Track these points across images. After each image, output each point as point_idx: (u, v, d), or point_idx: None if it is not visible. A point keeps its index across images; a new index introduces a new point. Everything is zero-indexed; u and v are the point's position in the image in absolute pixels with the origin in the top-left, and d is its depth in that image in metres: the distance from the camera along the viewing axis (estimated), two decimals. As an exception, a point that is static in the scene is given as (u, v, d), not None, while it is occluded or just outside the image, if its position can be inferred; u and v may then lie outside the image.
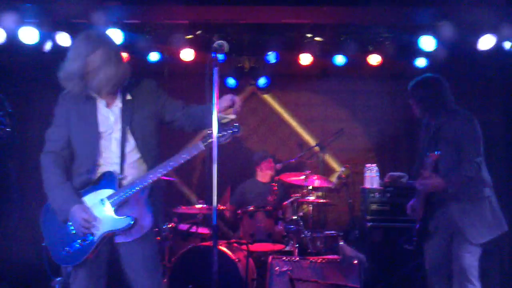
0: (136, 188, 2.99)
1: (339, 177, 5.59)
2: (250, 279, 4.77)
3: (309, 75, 6.46)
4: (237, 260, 4.68)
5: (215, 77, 2.90)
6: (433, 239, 3.93)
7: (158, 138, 3.18)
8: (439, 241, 3.91)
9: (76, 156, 3.07)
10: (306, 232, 5.02)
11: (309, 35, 5.87)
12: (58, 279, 3.14)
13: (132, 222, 2.96)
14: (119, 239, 3.05)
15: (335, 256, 4.71)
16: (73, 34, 5.40)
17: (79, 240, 2.96)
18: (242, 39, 6.02)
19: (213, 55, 2.90)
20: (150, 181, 3.00)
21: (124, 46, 5.56)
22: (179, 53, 5.87)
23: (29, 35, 5.29)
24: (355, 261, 4.57)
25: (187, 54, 5.87)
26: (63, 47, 5.42)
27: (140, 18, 5.52)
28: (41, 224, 3.07)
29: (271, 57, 6.01)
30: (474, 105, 6.28)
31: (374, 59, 5.96)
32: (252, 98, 6.66)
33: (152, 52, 5.97)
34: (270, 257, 4.63)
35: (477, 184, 3.82)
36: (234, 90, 6.48)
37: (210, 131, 2.91)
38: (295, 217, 5.08)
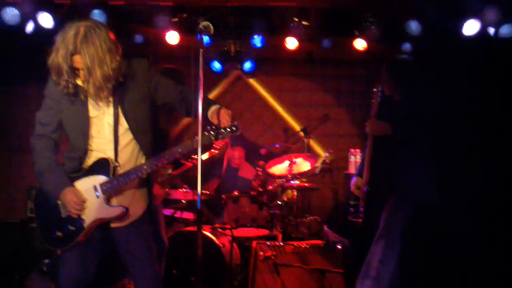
0: (131, 178, 2.96)
1: (324, 163, 5.60)
2: (234, 264, 4.78)
3: (295, 59, 6.43)
4: (221, 245, 4.69)
5: (201, 59, 2.85)
6: (379, 201, 4.00)
7: (151, 121, 3.11)
8: (384, 203, 3.99)
9: (70, 139, 3.02)
10: (290, 217, 5.05)
11: (295, 19, 5.83)
12: (46, 261, 3.02)
13: (123, 211, 2.96)
14: (114, 224, 3.03)
15: (319, 241, 4.73)
16: (55, 14, 5.32)
17: (69, 225, 2.95)
18: (227, 23, 5.96)
19: (198, 36, 2.84)
20: (145, 172, 2.98)
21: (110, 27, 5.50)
22: (164, 36, 5.79)
23: (10, 15, 5.18)
24: (339, 246, 4.59)
25: (172, 37, 5.79)
26: (45, 28, 5.34)
27: (124, 0, 5.44)
28: (35, 207, 3.07)
29: (257, 41, 5.96)
30: (458, 90, 6.33)
31: (360, 44, 5.93)
32: (237, 83, 6.62)
33: (137, 35, 5.91)
34: (254, 242, 4.64)
35: (425, 147, 3.95)
36: (219, 74, 6.46)
37: (209, 129, 2.91)
38: (279, 202, 5.10)
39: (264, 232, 4.98)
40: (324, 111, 6.20)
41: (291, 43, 5.95)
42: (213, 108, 3.05)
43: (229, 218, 4.91)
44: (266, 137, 6.47)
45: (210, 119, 3.04)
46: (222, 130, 2.98)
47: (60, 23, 5.36)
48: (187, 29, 5.73)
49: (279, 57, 6.40)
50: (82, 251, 3.00)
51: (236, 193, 4.98)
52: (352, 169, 5.61)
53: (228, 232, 4.87)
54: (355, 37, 5.91)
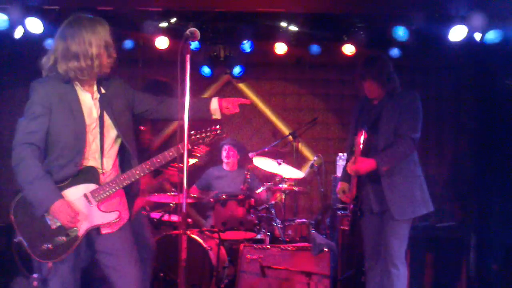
0: (124, 183, 3.00)
1: (312, 166, 5.64)
2: (221, 267, 4.81)
3: (284, 64, 6.47)
4: (208, 248, 4.71)
5: (187, 65, 2.88)
6: (367, 218, 3.94)
7: (133, 129, 3.16)
8: (373, 221, 3.92)
9: (57, 148, 2.93)
10: (277, 220, 5.08)
11: (283, 24, 5.88)
12: (35, 275, 2.93)
13: (117, 216, 2.98)
14: (104, 230, 3.02)
15: (306, 244, 4.76)
16: (44, 20, 5.35)
17: (61, 236, 2.90)
18: (217, 28, 6.01)
19: (185, 42, 2.89)
20: (138, 177, 3.01)
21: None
22: (153, 41, 5.84)
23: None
24: (326, 249, 4.61)
25: (162, 42, 5.84)
26: (33, 33, 5.37)
27: (114, 5, 5.47)
28: (14, 219, 2.94)
29: (246, 46, 6.02)
30: (445, 95, 6.40)
31: (348, 49, 5.99)
32: (226, 87, 6.65)
33: (126, 40, 5.95)
34: (241, 245, 4.66)
35: (410, 162, 3.85)
36: (209, 79, 6.50)
37: (194, 133, 3.04)
38: (267, 206, 5.13)
39: (251, 235, 5.00)
40: (313, 115, 6.23)
41: (280, 48, 6.01)
42: (214, 100, 3.18)
43: (216, 221, 4.93)
44: (255, 141, 6.50)
45: (214, 114, 3.18)
46: (208, 133, 3.07)
47: (49, 29, 5.42)
48: (176, 34, 5.78)
49: (268, 62, 6.44)
50: (74, 260, 2.98)
51: (224, 196, 5.00)
52: (340, 173, 5.63)
53: (215, 235, 4.90)
54: (343, 42, 5.97)
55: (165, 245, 4.60)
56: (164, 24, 5.76)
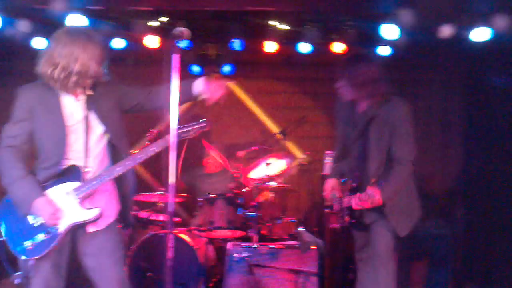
0: (103, 180, 3.03)
1: (300, 164, 5.66)
2: (209, 266, 4.84)
3: (274, 62, 6.49)
4: (196, 247, 4.73)
5: (175, 64, 2.94)
6: (360, 224, 3.84)
7: (123, 127, 3.20)
8: (365, 226, 3.83)
9: (40, 151, 3.03)
10: (266, 218, 5.10)
11: (273, 23, 5.89)
12: (18, 273, 2.99)
13: (99, 213, 3.00)
14: (90, 229, 3.06)
15: (294, 242, 4.79)
16: (34, 20, 5.37)
17: (43, 233, 2.95)
18: (207, 26, 6.02)
19: (174, 42, 2.95)
20: (118, 173, 3.05)
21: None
22: (144, 40, 5.84)
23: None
24: (314, 247, 4.65)
25: (152, 41, 5.85)
26: (24, 34, 5.39)
27: (103, 4, 5.48)
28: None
29: (236, 44, 6.03)
30: (434, 93, 6.43)
31: (338, 47, 6.01)
32: (216, 86, 6.66)
33: (116, 39, 5.95)
34: (229, 244, 4.69)
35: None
36: (199, 78, 6.48)
37: (181, 126, 3.06)
38: (255, 204, 5.14)
39: (239, 233, 5.02)
40: (302, 113, 6.24)
41: (270, 46, 6.02)
42: (199, 81, 3.21)
43: (205, 220, 4.96)
44: (244, 140, 6.51)
45: (199, 95, 3.19)
46: (191, 127, 3.13)
47: (38, 29, 5.43)
48: (167, 33, 5.78)
49: (258, 61, 6.46)
50: (56, 257, 3.02)
51: (212, 195, 5.02)
52: (327, 171, 5.65)
53: (203, 234, 4.92)
54: (333, 40, 5.99)
55: (153, 245, 4.62)
56: (154, 23, 5.77)
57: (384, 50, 5.98)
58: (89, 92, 3.09)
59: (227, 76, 6.50)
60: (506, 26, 5.32)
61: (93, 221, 3.02)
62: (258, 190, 5.30)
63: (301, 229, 5.06)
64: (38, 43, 5.64)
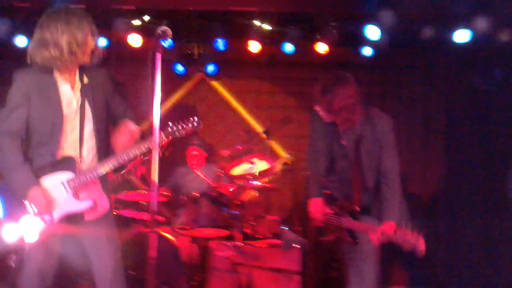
0: (97, 173, 3.10)
1: (284, 164, 5.68)
2: (193, 265, 4.83)
3: (258, 62, 6.50)
4: (180, 246, 4.73)
5: (158, 63, 2.95)
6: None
7: (108, 125, 3.26)
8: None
9: (36, 137, 3.07)
10: (249, 217, 5.11)
11: (256, 23, 5.91)
12: (13, 256, 3.11)
13: (90, 203, 3.08)
14: (88, 217, 3.13)
15: (278, 241, 4.81)
16: (14, 18, 5.33)
17: (38, 219, 3.00)
18: (191, 26, 6.02)
19: (157, 41, 2.97)
20: (112, 167, 3.12)
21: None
22: (126, 39, 5.83)
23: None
24: (297, 246, 4.67)
25: (135, 40, 5.83)
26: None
27: (85, 3, 5.45)
28: None
29: (220, 44, 6.03)
30: (416, 94, 6.49)
31: (322, 48, 6.04)
32: (200, 85, 6.67)
33: (99, 38, 5.91)
34: (213, 243, 4.69)
35: None
36: (183, 77, 6.51)
37: (172, 124, 3.14)
38: (239, 203, 5.15)
39: (223, 232, 5.02)
40: (286, 113, 6.29)
41: (254, 46, 6.03)
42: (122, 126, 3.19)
43: (188, 219, 4.95)
44: (228, 139, 6.52)
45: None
46: (184, 125, 3.18)
47: (19, 27, 5.40)
48: (150, 32, 5.77)
49: (242, 60, 6.46)
50: (49, 244, 3.08)
51: (196, 194, 5.02)
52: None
53: (187, 232, 4.92)
54: (316, 40, 6.02)
55: (136, 243, 4.61)
56: (137, 22, 5.76)
57: (366, 51, 6.03)
58: (86, 81, 3.13)
59: (211, 76, 6.52)
60: (486, 28, 5.41)
61: (86, 211, 3.09)
62: (242, 189, 5.30)
63: (284, 228, 5.08)
64: (21, 41, 5.59)
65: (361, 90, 3.74)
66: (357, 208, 3.76)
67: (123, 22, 5.70)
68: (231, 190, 5.26)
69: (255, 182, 5.22)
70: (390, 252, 5.12)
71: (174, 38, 5.69)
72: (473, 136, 6.04)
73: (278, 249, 4.66)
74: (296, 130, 6.54)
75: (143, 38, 5.82)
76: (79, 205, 3.08)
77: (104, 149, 3.20)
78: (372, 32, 5.68)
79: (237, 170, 5.33)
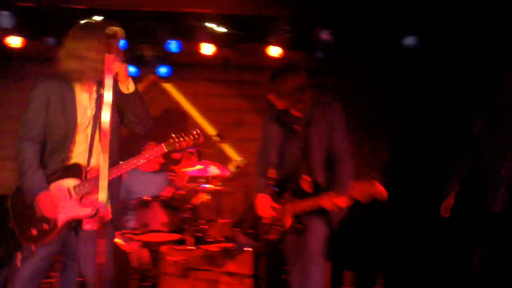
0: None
1: (236, 167, 5.69)
2: (143, 270, 4.78)
3: (210, 65, 6.49)
4: (130, 251, 4.67)
5: (109, 64, 2.91)
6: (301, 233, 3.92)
7: (119, 134, 3.33)
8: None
9: (51, 143, 3.18)
10: (201, 221, 5.09)
11: (210, 25, 5.90)
12: (19, 255, 3.43)
13: (94, 211, 3.15)
14: (86, 226, 3.21)
15: (230, 244, 4.81)
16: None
17: (44, 223, 3.13)
18: (143, 27, 5.95)
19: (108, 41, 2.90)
20: (115, 176, 3.20)
21: (18, 30, 5.45)
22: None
23: None
24: (249, 249, 4.69)
25: (85, 41, 5.71)
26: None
27: (35, 2, 5.34)
28: (11, 205, 3.25)
29: (173, 46, 5.99)
30: (366, 97, 6.61)
31: (274, 51, 6.07)
32: (152, 87, 6.61)
33: (49, 38, 5.80)
34: (164, 247, 4.65)
35: None
36: (135, 79, 6.40)
37: (174, 136, 3.28)
38: (191, 206, 5.13)
39: (175, 236, 4.99)
40: (239, 116, 6.30)
41: (207, 49, 6.01)
42: None
43: (139, 223, 4.89)
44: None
45: None
46: (185, 137, 3.31)
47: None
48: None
49: (195, 63, 6.44)
50: (48, 248, 3.21)
51: (147, 198, 4.97)
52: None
53: (138, 237, 4.86)
54: (269, 44, 6.05)
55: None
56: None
57: (318, 55, 6.10)
58: (102, 91, 3.16)
59: (163, 78, 6.46)
60: (433, 33, 5.56)
61: (89, 217, 3.18)
62: (194, 193, 5.29)
63: (236, 231, 5.09)
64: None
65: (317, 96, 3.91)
66: (309, 189, 3.84)
67: (75, 22, 5.57)
68: (182, 193, 5.24)
69: (207, 185, 5.21)
70: (337, 252, 5.25)
71: (126, 39, 5.62)
72: (419, 140, 6.16)
73: (230, 252, 4.66)
74: (248, 133, 6.54)
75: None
76: (83, 211, 3.17)
77: (113, 159, 3.21)
78: (325, 36, 5.76)
79: (189, 174, 5.31)
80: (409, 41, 5.74)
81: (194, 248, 4.68)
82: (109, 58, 2.96)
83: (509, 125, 4.38)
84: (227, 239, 5.04)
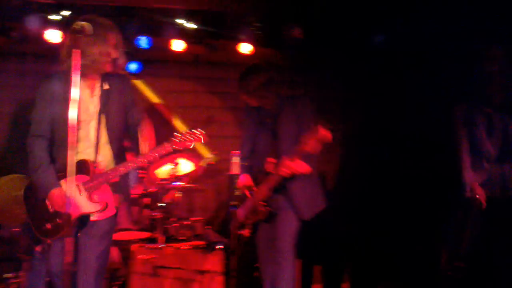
0: (110, 178, 3.30)
1: (208, 164, 5.66)
2: (113, 269, 4.73)
3: (181, 61, 6.44)
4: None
5: (76, 60, 2.99)
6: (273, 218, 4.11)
7: (124, 132, 3.46)
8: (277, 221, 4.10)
9: (58, 139, 3.30)
10: (172, 219, 5.06)
11: (181, 21, 5.86)
12: (38, 247, 3.59)
13: (103, 206, 3.31)
14: (93, 217, 3.35)
15: (200, 242, 4.80)
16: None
17: (57, 218, 3.27)
18: (113, 22, 5.86)
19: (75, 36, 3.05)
20: (122, 173, 3.33)
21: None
22: (43, 34, 5.61)
23: None
24: (219, 246, 4.68)
25: (53, 36, 5.62)
26: None
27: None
28: (25, 200, 3.41)
29: (143, 42, 5.92)
30: (338, 94, 6.63)
31: (245, 48, 6.06)
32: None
33: (14, 32, 5.68)
34: (135, 246, 4.61)
35: (315, 160, 4.10)
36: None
37: (178, 134, 3.34)
38: (162, 204, 5.08)
39: (145, 234, 4.95)
40: (210, 113, 6.24)
41: (177, 45, 5.96)
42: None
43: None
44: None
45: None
46: (189, 136, 3.37)
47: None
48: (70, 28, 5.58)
49: (166, 59, 6.38)
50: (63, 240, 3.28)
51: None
52: (235, 170, 5.67)
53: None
54: (240, 40, 6.04)
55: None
56: (56, 17, 5.56)
57: (290, 52, 6.11)
58: (106, 87, 3.34)
59: (133, 74, 6.38)
60: (402, 30, 5.62)
61: (99, 212, 3.31)
62: (165, 190, 5.24)
63: (207, 228, 5.07)
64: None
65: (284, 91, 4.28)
66: (272, 171, 4.05)
67: (40, 16, 5.49)
68: (153, 191, 5.19)
69: (178, 183, 5.17)
70: (308, 248, 5.28)
71: (89, 34, 5.56)
72: (388, 139, 6.22)
73: (201, 250, 4.64)
74: (219, 130, 6.49)
75: (62, 34, 5.63)
76: (92, 207, 3.30)
77: (120, 155, 3.41)
78: (296, 32, 5.77)
79: (160, 171, 5.27)
80: (379, 38, 5.80)
81: (165, 246, 4.64)
82: (76, 53, 3.00)
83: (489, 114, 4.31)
84: (199, 237, 5.02)
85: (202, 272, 4.51)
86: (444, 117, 4.55)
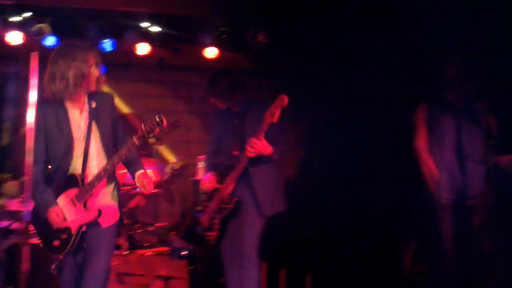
0: (98, 180, 3.33)
1: (173, 169, 5.62)
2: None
3: (147, 65, 6.39)
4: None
5: (34, 62, 3.04)
6: (236, 216, 4.15)
7: (115, 145, 3.48)
8: (239, 218, 4.16)
9: (54, 161, 3.39)
10: (136, 225, 5.01)
11: (146, 25, 5.82)
12: (53, 265, 3.50)
13: (97, 212, 3.35)
14: (103, 225, 3.42)
15: (165, 248, 4.76)
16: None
17: (61, 234, 3.36)
18: (76, 25, 5.79)
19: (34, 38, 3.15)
20: (104, 177, 3.33)
21: None
22: (4, 36, 5.50)
23: None
24: (184, 253, 4.66)
25: (14, 37, 5.51)
26: None
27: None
28: (32, 220, 3.49)
29: (107, 45, 5.86)
30: (305, 98, 6.67)
31: (210, 52, 6.06)
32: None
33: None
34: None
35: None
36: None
37: (144, 128, 3.28)
38: (127, 210, 5.03)
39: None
40: (175, 117, 6.18)
41: (142, 48, 5.92)
42: (139, 172, 3.54)
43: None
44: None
45: (136, 181, 3.53)
46: (151, 125, 3.29)
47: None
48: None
49: (130, 62, 6.32)
50: (75, 256, 3.41)
51: (80, 202, 4.84)
52: (200, 175, 5.66)
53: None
54: (206, 45, 6.03)
55: (13, 255, 4.37)
56: (17, 19, 5.45)
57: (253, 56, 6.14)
58: (94, 105, 3.38)
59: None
60: (370, 34, 5.68)
61: (97, 219, 3.36)
62: (130, 196, 5.18)
63: (172, 234, 5.04)
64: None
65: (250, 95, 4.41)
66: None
67: (1, 18, 5.38)
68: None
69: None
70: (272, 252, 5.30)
71: (58, 37, 5.48)
72: (353, 142, 6.28)
73: (165, 256, 4.61)
74: (185, 135, 6.48)
75: (24, 35, 5.52)
76: (89, 215, 3.35)
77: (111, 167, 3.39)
78: (262, 38, 5.79)
79: (126, 179, 5.20)
80: (342, 41, 5.86)
81: (129, 253, 4.59)
82: (35, 56, 2.98)
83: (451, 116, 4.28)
84: (163, 243, 4.98)
85: (166, 279, 4.48)
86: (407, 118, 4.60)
